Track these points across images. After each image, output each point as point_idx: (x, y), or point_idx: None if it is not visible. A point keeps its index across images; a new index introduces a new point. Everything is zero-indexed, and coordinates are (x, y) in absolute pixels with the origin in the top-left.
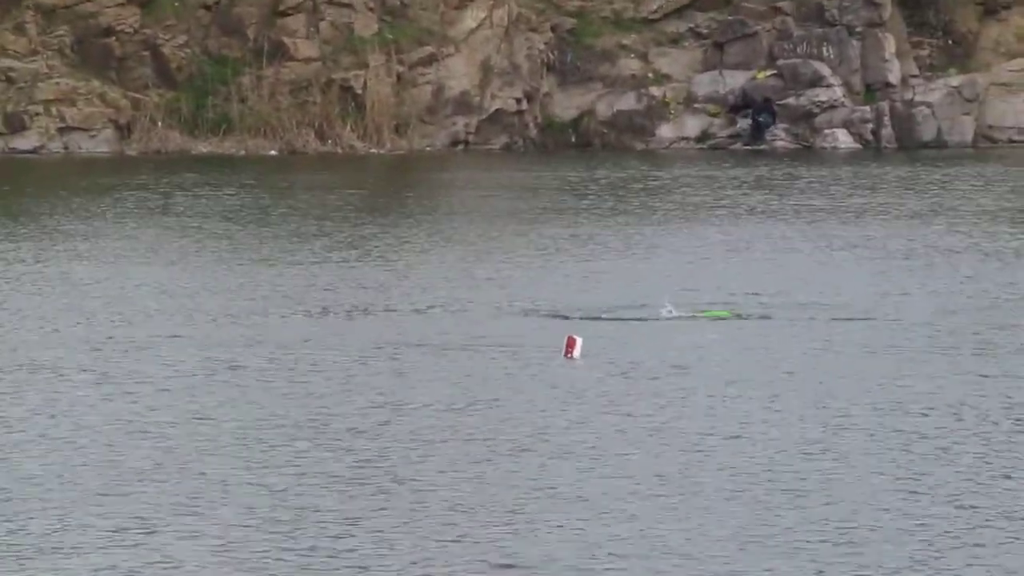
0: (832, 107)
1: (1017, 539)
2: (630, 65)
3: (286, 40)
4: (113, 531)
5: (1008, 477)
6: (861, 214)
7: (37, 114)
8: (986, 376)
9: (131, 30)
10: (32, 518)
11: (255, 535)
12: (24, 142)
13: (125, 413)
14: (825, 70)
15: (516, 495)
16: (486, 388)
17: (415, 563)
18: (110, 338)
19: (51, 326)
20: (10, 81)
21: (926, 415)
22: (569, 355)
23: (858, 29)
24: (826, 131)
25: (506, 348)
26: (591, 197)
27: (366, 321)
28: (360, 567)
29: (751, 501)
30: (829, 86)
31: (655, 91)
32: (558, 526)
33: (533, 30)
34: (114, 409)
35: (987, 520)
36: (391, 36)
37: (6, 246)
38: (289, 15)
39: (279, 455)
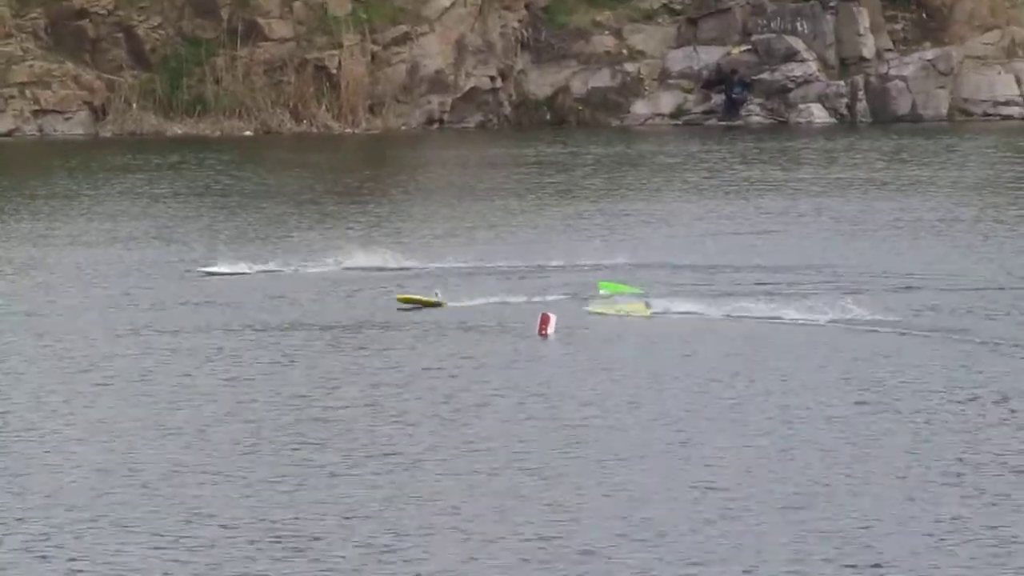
0: (807, 82)
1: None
2: (604, 42)
3: (260, 20)
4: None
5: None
6: (833, 187)
7: (11, 97)
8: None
9: (105, 12)
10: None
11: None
12: None
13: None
14: (799, 45)
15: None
16: (466, 364)
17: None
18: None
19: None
20: None
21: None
22: (543, 333)
23: (832, 3)
24: (801, 106)
25: (480, 326)
26: (565, 174)
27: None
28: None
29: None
30: (803, 61)
31: (629, 67)
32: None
33: (507, 8)
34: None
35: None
36: (365, 16)
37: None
38: None
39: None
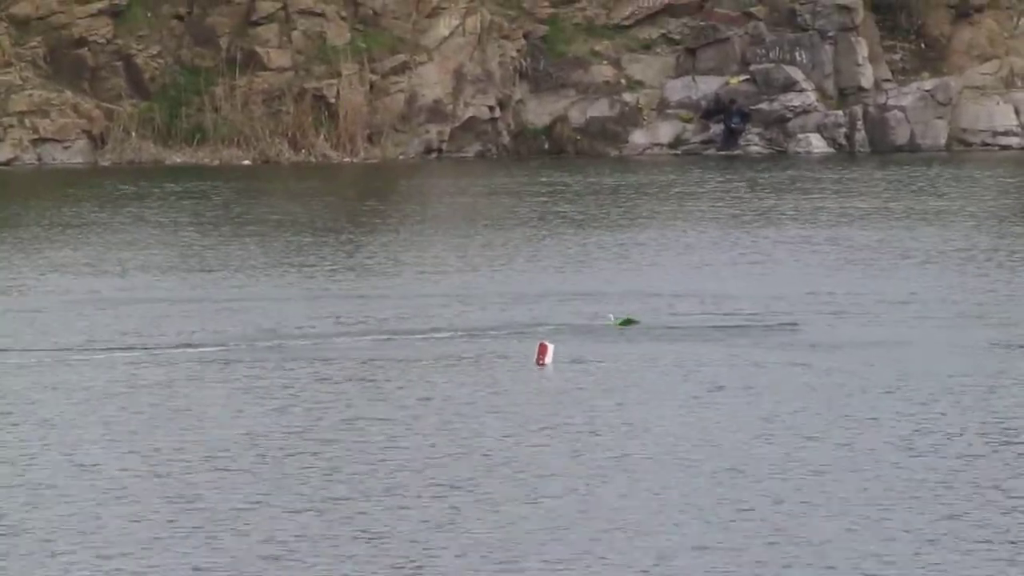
0: (805, 112)
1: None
2: (603, 71)
3: (259, 50)
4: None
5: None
6: (831, 217)
7: (11, 126)
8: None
9: (104, 41)
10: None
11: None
12: None
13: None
14: (798, 75)
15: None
16: (463, 397)
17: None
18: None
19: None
20: None
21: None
22: (541, 362)
23: (830, 34)
24: (799, 135)
25: (481, 355)
26: (563, 204)
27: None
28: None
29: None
30: (802, 91)
31: (628, 97)
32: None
33: (505, 37)
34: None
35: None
36: (364, 45)
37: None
38: (261, 25)
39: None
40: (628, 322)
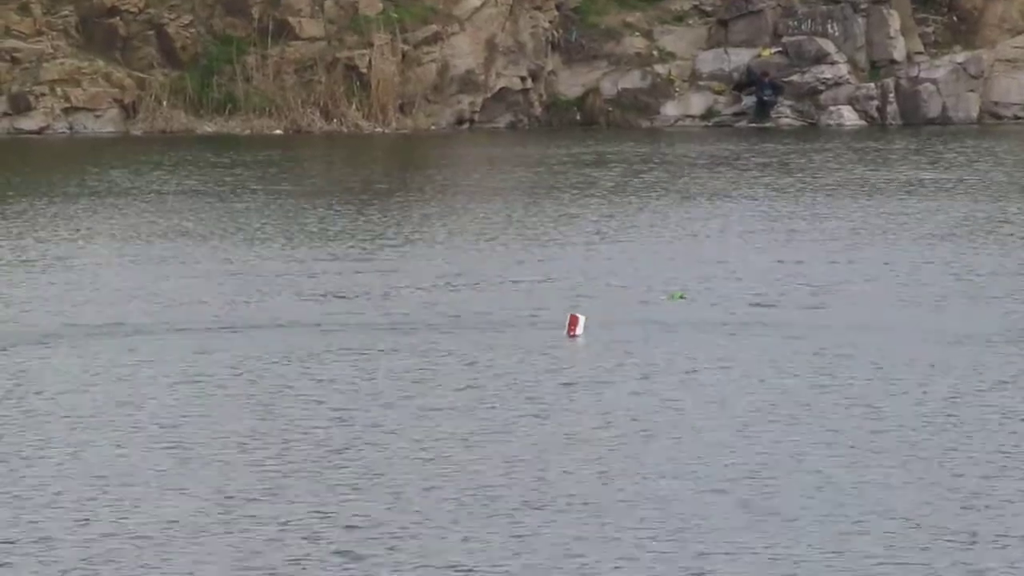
0: (837, 84)
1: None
2: (635, 43)
3: (291, 19)
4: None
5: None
6: (867, 189)
7: (42, 94)
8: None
9: (136, 10)
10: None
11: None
12: (29, 122)
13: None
14: (830, 47)
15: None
16: (492, 367)
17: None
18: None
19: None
20: (15, 62)
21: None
22: (572, 333)
23: (863, 6)
24: (831, 108)
25: (511, 326)
26: (596, 176)
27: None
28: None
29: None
30: (834, 63)
31: (660, 69)
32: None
33: (538, 8)
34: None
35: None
36: (396, 15)
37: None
38: None
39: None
40: (681, 297)
